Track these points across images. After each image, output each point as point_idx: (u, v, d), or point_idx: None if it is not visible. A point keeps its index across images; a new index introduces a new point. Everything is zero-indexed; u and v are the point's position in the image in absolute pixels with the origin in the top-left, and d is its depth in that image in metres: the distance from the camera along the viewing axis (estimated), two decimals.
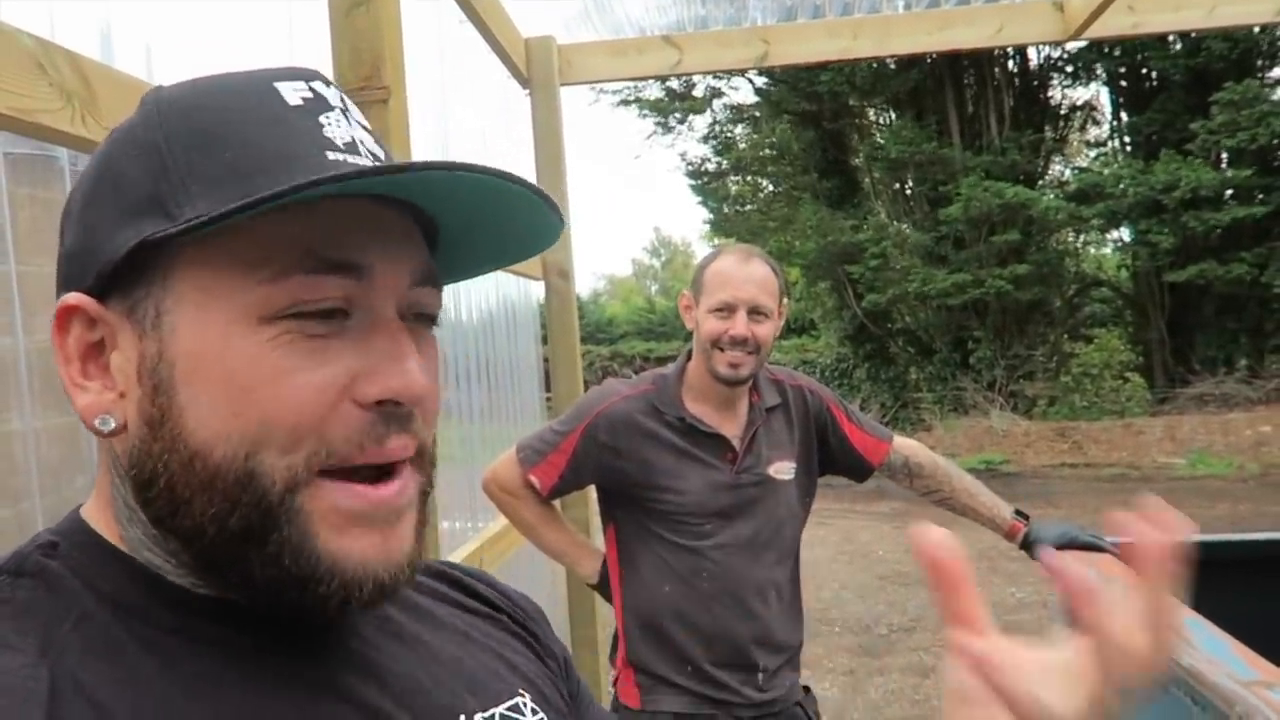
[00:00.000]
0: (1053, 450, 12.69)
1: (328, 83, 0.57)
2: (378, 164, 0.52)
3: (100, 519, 0.55)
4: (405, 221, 0.55)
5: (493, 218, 0.57)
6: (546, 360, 3.49)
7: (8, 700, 0.44)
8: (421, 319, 0.56)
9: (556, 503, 2.09)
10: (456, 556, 2.32)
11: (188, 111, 0.53)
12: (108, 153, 0.55)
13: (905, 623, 5.94)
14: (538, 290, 3.44)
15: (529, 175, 3.45)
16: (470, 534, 2.67)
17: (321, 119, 0.54)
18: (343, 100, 0.57)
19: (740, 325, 1.86)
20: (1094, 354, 14.77)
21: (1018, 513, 2.06)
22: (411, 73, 1.61)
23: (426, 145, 2.45)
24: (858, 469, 2.10)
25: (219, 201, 0.49)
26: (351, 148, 0.54)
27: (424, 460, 0.56)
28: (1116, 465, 11.82)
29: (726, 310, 1.88)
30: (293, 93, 0.54)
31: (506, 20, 2.91)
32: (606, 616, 2.52)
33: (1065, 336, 15.76)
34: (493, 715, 0.61)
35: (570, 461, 1.95)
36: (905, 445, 2.12)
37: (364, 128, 0.57)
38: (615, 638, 2.05)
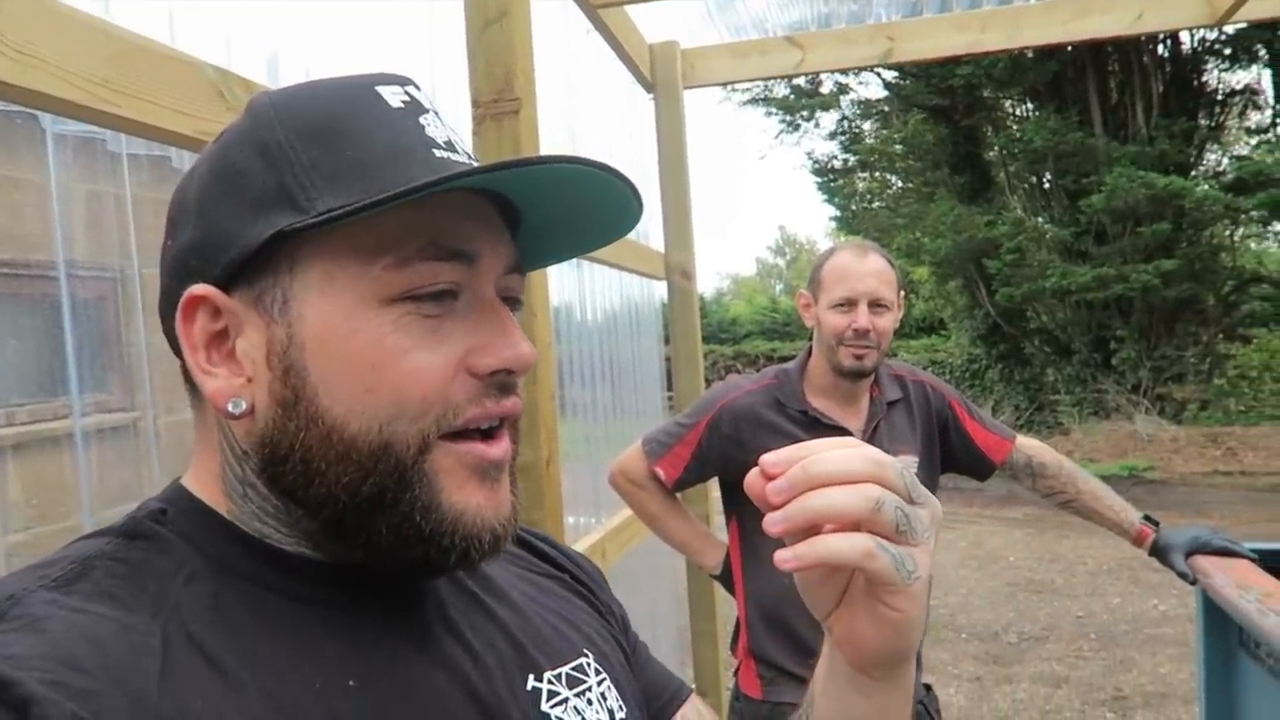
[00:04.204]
0: (1204, 457, 11.94)
1: (418, 88, 0.61)
2: (490, 162, 0.54)
3: (207, 491, 0.58)
4: (496, 213, 0.59)
5: (574, 208, 0.61)
6: (669, 359, 3.55)
7: (127, 652, 0.48)
8: (510, 301, 0.60)
9: (679, 496, 2.14)
10: (580, 547, 2.41)
11: (303, 112, 0.56)
12: (222, 153, 0.57)
13: (1037, 631, 5.74)
14: (660, 290, 3.51)
15: (653, 178, 3.49)
16: (593, 527, 2.76)
17: (421, 120, 0.58)
18: (432, 105, 0.60)
19: (863, 318, 1.88)
20: (1252, 355, 13.82)
21: (1146, 518, 2.00)
22: (540, 83, 1.69)
23: (555, 151, 2.54)
24: (979, 467, 2.08)
25: (344, 195, 0.53)
26: (450, 146, 0.58)
27: (515, 428, 0.61)
28: (1276, 474, 11.05)
29: (848, 304, 1.90)
30: (393, 96, 0.58)
31: (631, 28, 2.99)
32: (727, 612, 2.56)
33: (1220, 336, 14.80)
34: (560, 674, 0.65)
35: (695, 454, 2.00)
36: (1029, 445, 2.10)
37: (452, 129, 0.61)
38: (736, 628, 2.09)
